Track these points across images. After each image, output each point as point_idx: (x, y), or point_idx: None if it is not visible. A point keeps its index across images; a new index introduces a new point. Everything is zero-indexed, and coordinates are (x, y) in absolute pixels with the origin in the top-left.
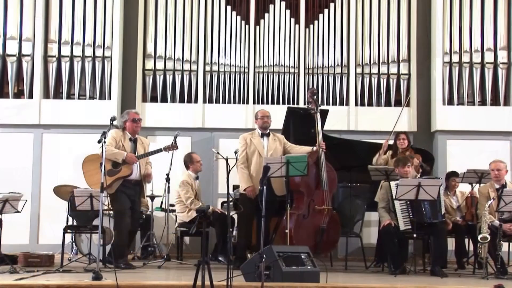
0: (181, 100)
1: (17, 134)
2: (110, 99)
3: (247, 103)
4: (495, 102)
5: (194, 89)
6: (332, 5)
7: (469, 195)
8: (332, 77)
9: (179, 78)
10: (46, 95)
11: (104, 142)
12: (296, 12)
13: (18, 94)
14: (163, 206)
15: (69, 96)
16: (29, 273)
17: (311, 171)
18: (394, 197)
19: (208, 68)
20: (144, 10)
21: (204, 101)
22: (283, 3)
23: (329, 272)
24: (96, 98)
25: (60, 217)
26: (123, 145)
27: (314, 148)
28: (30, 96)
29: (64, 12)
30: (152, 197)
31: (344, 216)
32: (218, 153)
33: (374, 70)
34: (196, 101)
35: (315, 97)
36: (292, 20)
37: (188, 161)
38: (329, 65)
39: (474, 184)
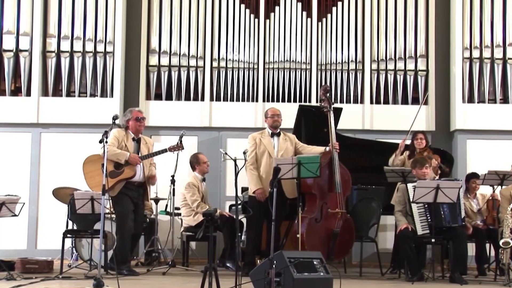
0: (187, 98)
1: (15, 133)
2: (112, 96)
3: (257, 101)
4: None
5: (201, 86)
6: None
7: (490, 197)
8: (346, 74)
9: (185, 74)
10: (44, 93)
11: (106, 142)
12: (308, 5)
13: (15, 92)
14: (168, 209)
15: (69, 93)
16: (27, 280)
17: (324, 172)
18: (411, 200)
19: (215, 64)
20: (148, 2)
21: (211, 99)
22: None
23: (343, 279)
24: (97, 95)
25: (59, 221)
26: (126, 145)
27: (327, 148)
28: (28, 93)
29: (64, 5)
30: (157, 200)
31: (359, 220)
32: (226, 153)
33: (390, 66)
34: (202, 99)
35: (328, 94)
36: (304, 13)
37: (195, 162)
38: (343, 61)
39: (495, 186)
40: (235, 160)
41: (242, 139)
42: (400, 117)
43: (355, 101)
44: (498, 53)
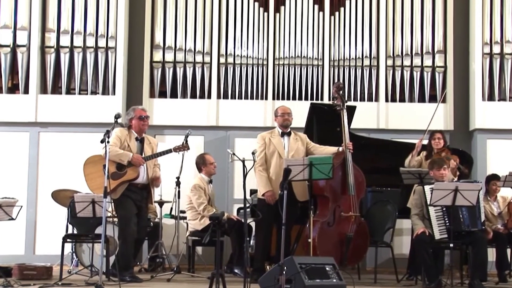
0: (193, 96)
1: (12, 133)
2: (114, 94)
3: (266, 98)
4: None
5: (207, 84)
6: None
7: None
8: (360, 70)
9: (191, 71)
10: (43, 90)
11: (108, 142)
12: None
13: (13, 89)
14: (173, 212)
15: (69, 91)
16: (25, 286)
17: (337, 174)
18: (428, 202)
19: (222, 60)
20: None
21: (218, 97)
22: None
23: (357, 286)
24: (98, 93)
25: (58, 225)
26: (129, 145)
27: (340, 149)
28: (26, 91)
29: None
30: (161, 203)
31: (373, 224)
32: (233, 154)
33: (407, 62)
34: (209, 97)
35: (341, 92)
36: (316, 7)
37: (201, 163)
38: (357, 57)
39: None
40: (243, 161)
41: (251, 138)
42: (417, 116)
43: (370, 99)
44: None
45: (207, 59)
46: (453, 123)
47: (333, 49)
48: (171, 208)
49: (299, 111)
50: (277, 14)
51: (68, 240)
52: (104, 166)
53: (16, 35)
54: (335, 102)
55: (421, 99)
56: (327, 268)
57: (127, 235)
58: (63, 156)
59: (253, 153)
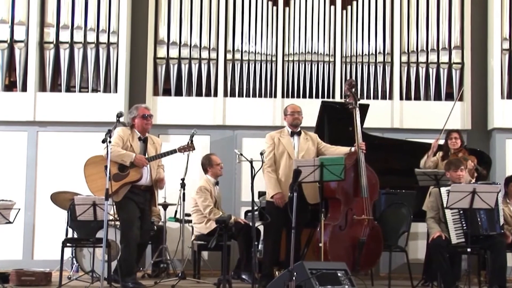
0: (199, 94)
1: (9, 132)
2: (116, 92)
3: (275, 96)
4: None
5: (214, 81)
6: None
7: None
8: (373, 67)
9: (196, 67)
10: (42, 88)
11: (110, 141)
12: None
13: (10, 87)
14: (178, 216)
15: (69, 88)
16: None
17: (349, 175)
18: (445, 205)
19: (229, 56)
20: None
21: (225, 95)
22: None
23: None
24: (100, 91)
25: (58, 229)
26: (131, 145)
27: (353, 149)
28: (24, 88)
29: None
30: (165, 206)
31: (387, 228)
32: (241, 154)
33: (422, 58)
34: (215, 95)
35: (353, 89)
36: (327, 0)
37: (207, 163)
38: (370, 53)
39: None
40: (251, 162)
41: (259, 138)
42: (433, 115)
43: (383, 97)
44: None
45: (213, 55)
46: (470, 122)
47: (345, 45)
48: (176, 211)
49: (310, 109)
50: (287, 8)
51: (68, 244)
52: (106, 167)
53: (14, 30)
54: (347, 100)
55: (437, 97)
56: (338, 274)
57: (129, 239)
58: (63, 156)
59: (261, 154)
